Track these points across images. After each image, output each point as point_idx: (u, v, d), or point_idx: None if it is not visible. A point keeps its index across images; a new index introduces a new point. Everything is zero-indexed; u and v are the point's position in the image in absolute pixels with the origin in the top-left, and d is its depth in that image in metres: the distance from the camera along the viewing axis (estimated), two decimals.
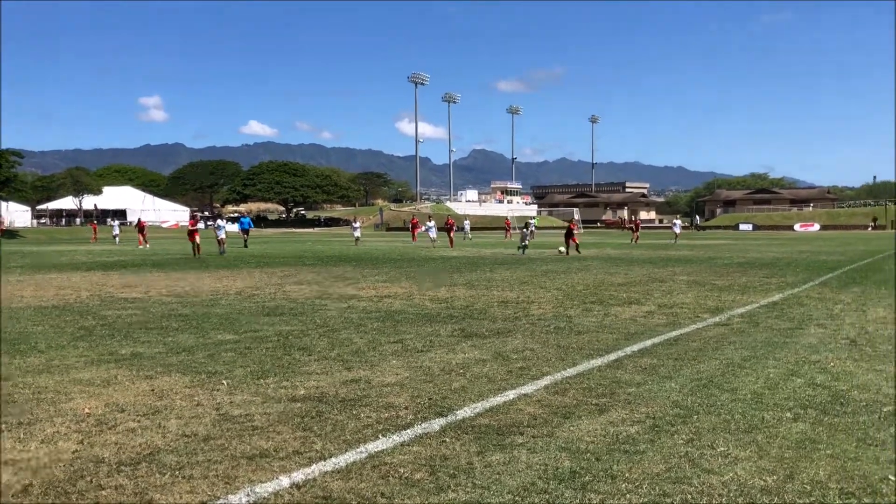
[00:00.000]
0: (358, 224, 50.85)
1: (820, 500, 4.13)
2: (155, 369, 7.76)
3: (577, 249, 32.96)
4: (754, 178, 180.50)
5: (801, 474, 4.51)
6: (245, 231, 46.98)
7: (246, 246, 42.26)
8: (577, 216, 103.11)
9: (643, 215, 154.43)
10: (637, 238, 51.43)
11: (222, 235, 34.98)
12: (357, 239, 47.88)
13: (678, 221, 55.74)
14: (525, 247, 34.30)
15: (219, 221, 38.67)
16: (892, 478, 4.43)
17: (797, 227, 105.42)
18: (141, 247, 42.92)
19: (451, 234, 45.23)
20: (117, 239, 50.99)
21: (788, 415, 5.88)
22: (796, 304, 13.54)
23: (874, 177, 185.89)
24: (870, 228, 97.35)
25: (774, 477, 4.48)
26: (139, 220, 55.70)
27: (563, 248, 32.79)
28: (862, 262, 26.49)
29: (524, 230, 36.96)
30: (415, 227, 56.03)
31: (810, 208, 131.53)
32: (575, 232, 37.97)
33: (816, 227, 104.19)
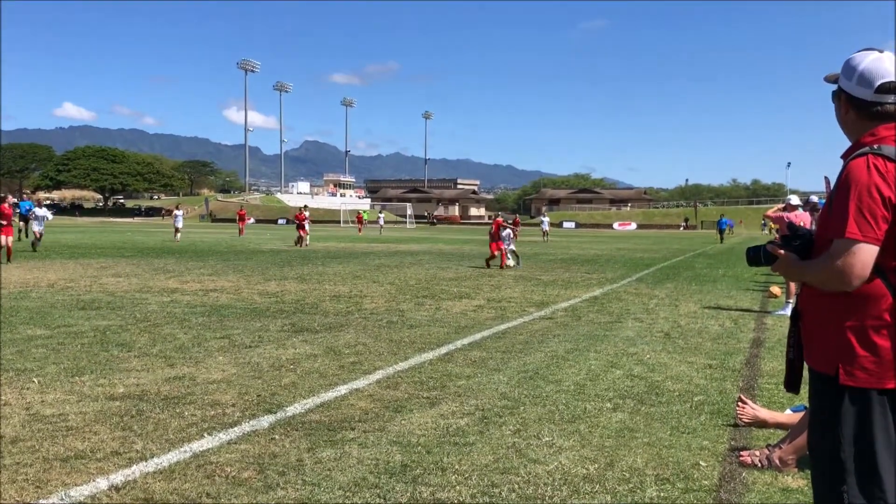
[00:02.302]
0: (181, 213, 41.85)
1: (638, 486, 4.32)
2: None
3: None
4: (577, 178, 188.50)
5: (621, 462, 4.72)
6: (25, 218, 35.05)
7: (27, 236, 32.41)
8: (410, 211, 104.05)
9: (473, 211, 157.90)
10: (517, 236, 49.62)
11: (40, 228, 27.91)
12: (177, 230, 39.36)
13: (546, 219, 53.34)
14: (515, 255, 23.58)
15: (37, 210, 29.07)
16: (703, 464, 4.71)
17: (616, 225, 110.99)
18: None
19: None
20: None
21: (608, 405, 6.14)
22: (615, 298, 14.21)
23: (686, 180, 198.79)
24: (682, 228, 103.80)
25: (596, 465, 4.65)
26: None
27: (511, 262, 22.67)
28: (674, 260, 28.21)
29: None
30: (242, 218, 54.09)
31: (628, 208, 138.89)
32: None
33: (633, 226, 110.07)
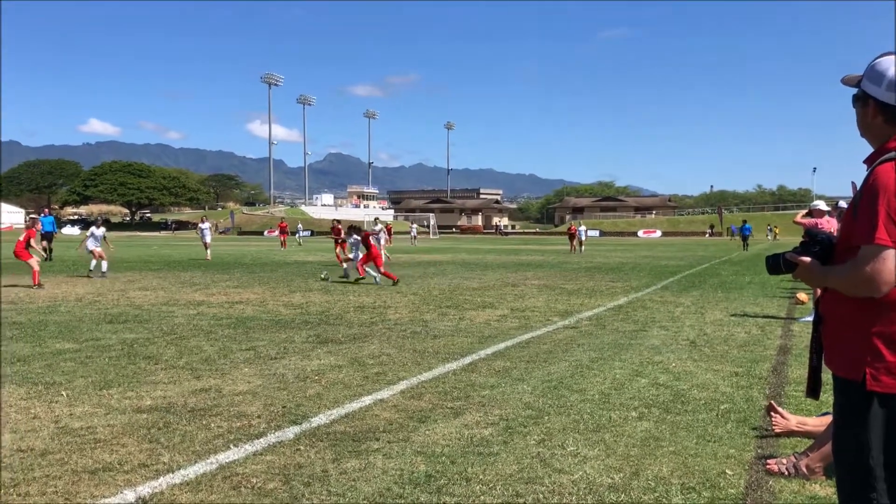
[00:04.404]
0: (207, 225, 35.19)
1: (663, 495, 4.30)
2: None
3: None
4: (601, 186, 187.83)
5: (646, 471, 4.69)
6: (48, 236, 30.47)
7: (49, 258, 28.69)
8: (432, 221, 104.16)
9: (496, 221, 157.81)
10: (574, 248, 43.92)
11: (95, 247, 22.60)
12: (206, 245, 33.76)
13: (583, 227, 48.53)
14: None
15: (93, 230, 23.75)
16: (730, 472, 4.67)
17: (640, 233, 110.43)
18: None
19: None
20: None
21: (634, 414, 6.11)
22: (640, 307, 14.14)
23: (711, 186, 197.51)
24: (707, 235, 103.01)
25: (621, 474, 4.63)
26: None
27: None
28: (700, 267, 28.01)
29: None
30: (284, 231, 53.55)
31: (653, 216, 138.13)
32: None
33: (658, 233, 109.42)
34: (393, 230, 66.11)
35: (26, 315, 12.35)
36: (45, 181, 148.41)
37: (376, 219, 36.42)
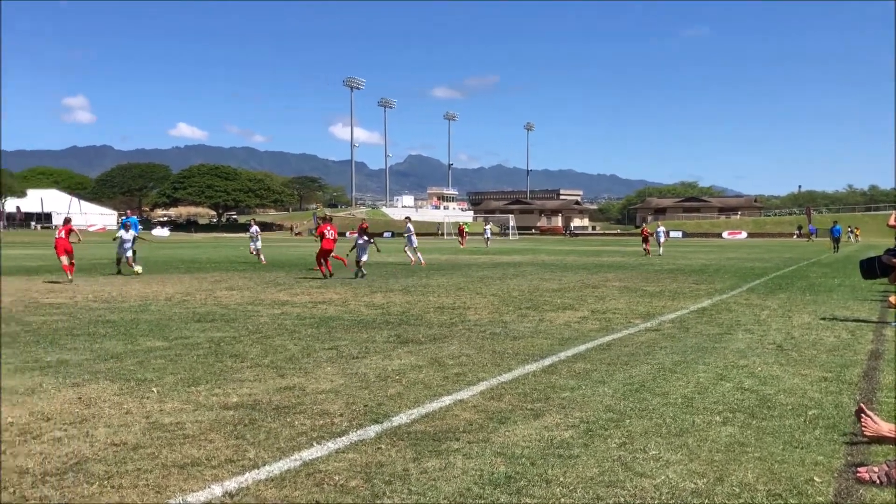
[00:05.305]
0: (256, 230, 32.04)
1: (748, 501, 4.21)
2: (82, 377, 7.56)
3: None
4: (684, 187, 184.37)
5: (731, 477, 4.60)
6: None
7: (131, 265, 23.09)
8: (512, 222, 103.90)
9: (577, 222, 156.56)
10: (649, 251, 41.25)
11: (128, 253, 22.97)
12: (257, 252, 31.12)
13: (662, 228, 45.17)
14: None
15: (121, 232, 23.35)
16: (818, 479, 4.55)
17: (725, 234, 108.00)
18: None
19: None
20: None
21: (718, 418, 5.99)
22: (725, 309, 13.84)
23: (799, 186, 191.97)
24: (795, 236, 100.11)
25: (705, 479, 4.56)
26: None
27: None
28: (787, 269, 27.25)
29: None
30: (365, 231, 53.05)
31: (738, 216, 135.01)
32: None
33: (744, 234, 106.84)
34: (466, 231, 65.70)
35: (119, 314, 12.81)
36: (136, 184, 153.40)
37: (407, 218, 35.28)
